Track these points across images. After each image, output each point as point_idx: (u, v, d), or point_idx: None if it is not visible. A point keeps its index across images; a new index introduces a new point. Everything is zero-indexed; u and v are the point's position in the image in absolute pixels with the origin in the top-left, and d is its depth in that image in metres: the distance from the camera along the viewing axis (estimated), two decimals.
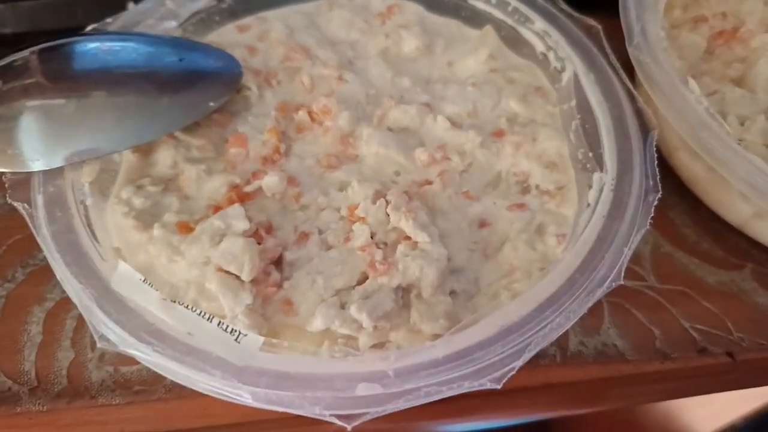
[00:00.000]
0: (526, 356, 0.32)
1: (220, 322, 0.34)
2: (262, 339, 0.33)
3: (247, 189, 0.42)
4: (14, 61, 0.43)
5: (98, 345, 0.32)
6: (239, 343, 0.33)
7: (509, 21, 0.51)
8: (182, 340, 0.33)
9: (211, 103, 0.43)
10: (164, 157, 0.44)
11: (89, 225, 0.38)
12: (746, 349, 0.44)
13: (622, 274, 0.35)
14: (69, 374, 0.41)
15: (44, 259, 0.45)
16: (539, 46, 0.50)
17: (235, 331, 0.34)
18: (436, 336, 0.37)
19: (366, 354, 0.33)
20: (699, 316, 0.46)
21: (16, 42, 0.56)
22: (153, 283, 0.38)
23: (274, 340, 0.34)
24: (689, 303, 0.47)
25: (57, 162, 0.40)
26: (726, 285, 0.48)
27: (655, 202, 0.38)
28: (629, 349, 0.44)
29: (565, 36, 0.48)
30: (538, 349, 0.33)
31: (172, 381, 0.35)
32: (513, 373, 0.32)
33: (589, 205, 0.40)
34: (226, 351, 0.33)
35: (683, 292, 0.47)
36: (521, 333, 0.33)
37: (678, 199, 0.52)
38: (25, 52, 0.44)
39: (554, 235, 0.41)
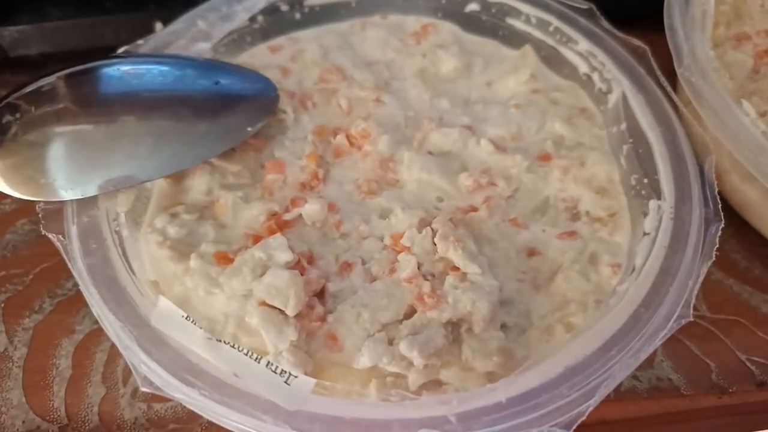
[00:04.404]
0: (597, 398, 0.30)
1: (268, 362, 0.32)
2: (313, 381, 0.31)
3: (287, 217, 0.41)
4: (43, 86, 0.42)
5: (141, 388, 0.31)
6: (289, 385, 0.31)
7: (550, 41, 0.49)
8: (228, 382, 0.31)
9: (249, 128, 0.42)
10: (198, 184, 0.42)
11: (125, 257, 0.37)
12: None
13: (691, 311, 0.33)
14: (100, 411, 0.40)
15: (72, 288, 0.44)
16: (582, 67, 0.48)
17: (285, 372, 0.32)
18: (490, 374, 0.35)
19: (424, 397, 0.31)
20: (755, 347, 0.44)
21: (42, 62, 0.55)
22: (193, 318, 0.36)
23: (326, 383, 0.32)
24: (744, 333, 0.45)
25: (91, 191, 0.38)
26: None
27: (719, 233, 0.36)
28: (684, 383, 0.42)
29: (611, 57, 0.46)
30: (608, 391, 0.31)
31: (208, 419, 0.33)
32: (582, 418, 0.30)
33: (646, 234, 0.38)
34: (275, 394, 0.31)
35: (737, 322, 0.45)
36: (587, 374, 0.31)
37: (724, 224, 0.50)
38: (54, 77, 0.42)
39: (608, 265, 0.39)
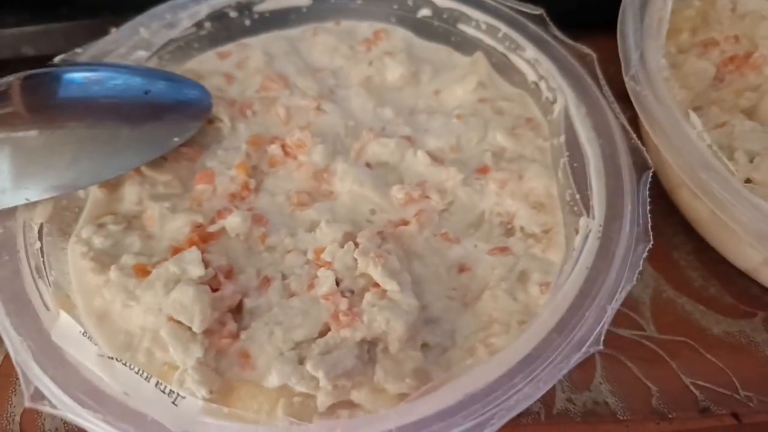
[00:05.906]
0: (491, 430, 0.29)
1: (158, 382, 0.31)
2: (200, 403, 0.31)
3: (211, 229, 0.40)
4: None
5: (26, 405, 0.30)
6: (177, 406, 0.31)
7: (500, 48, 0.48)
8: (119, 401, 0.31)
9: (176, 138, 0.41)
10: (130, 194, 0.42)
11: (38, 270, 0.36)
12: (754, 411, 0.40)
13: (602, 339, 0.31)
14: (22, 421, 0.40)
15: None
16: (531, 75, 0.46)
17: (173, 393, 0.31)
18: (403, 396, 0.34)
19: (313, 425, 0.30)
20: (702, 371, 0.42)
21: None
22: (107, 330, 0.36)
23: (214, 405, 0.31)
24: (692, 356, 0.43)
25: (13, 201, 0.38)
26: (734, 336, 0.44)
27: (645, 254, 0.35)
28: (622, 408, 0.40)
29: (557, 64, 0.44)
30: (503, 422, 0.29)
31: None
32: None
33: (574, 252, 0.37)
34: (163, 415, 0.30)
35: (685, 344, 0.43)
36: (485, 402, 0.30)
37: (684, 239, 0.48)
38: None
39: (537, 284, 0.38)
